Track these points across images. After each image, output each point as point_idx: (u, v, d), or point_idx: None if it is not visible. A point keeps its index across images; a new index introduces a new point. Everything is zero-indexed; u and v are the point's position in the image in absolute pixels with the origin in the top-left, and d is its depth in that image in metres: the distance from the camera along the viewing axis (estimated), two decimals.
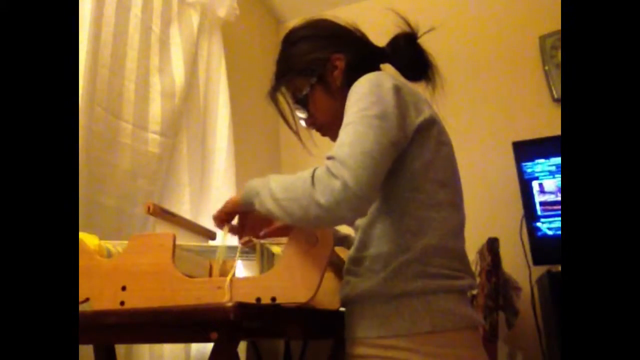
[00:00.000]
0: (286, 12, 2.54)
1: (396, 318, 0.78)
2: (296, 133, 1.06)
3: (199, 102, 1.74)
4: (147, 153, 1.44)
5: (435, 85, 0.99)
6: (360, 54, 0.98)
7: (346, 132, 0.77)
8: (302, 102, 0.98)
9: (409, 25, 0.99)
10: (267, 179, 0.82)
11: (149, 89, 1.50)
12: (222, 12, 1.86)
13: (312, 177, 0.73)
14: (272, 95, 1.03)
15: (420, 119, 0.84)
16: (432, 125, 0.86)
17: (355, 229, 0.90)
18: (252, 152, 2.14)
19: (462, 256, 0.87)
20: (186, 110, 1.65)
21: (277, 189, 0.78)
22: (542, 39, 2.08)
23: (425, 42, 1.00)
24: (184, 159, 1.62)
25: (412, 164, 0.83)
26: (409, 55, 0.99)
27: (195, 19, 1.73)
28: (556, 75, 2.02)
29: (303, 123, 1.03)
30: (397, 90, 0.82)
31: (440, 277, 0.81)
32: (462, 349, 0.79)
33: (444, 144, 0.89)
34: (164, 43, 1.59)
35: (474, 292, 1.38)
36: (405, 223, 0.83)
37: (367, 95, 0.80)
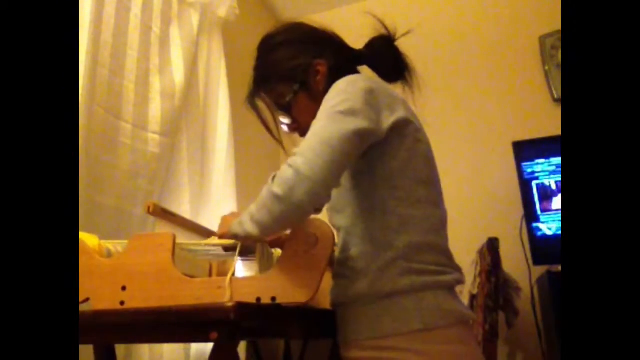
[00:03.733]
0: (286, 12, 2.54)
1: (387, 318, 0.79)
2: (279, 142, 1.06)
3: (199, 102, 1.74)
4: (147, 153, 1.44)
5: (412, 87, 1.00)
6: (340, 57, 0.99)
7: (311, 128, 0.80)
8: (285, 108, 0.99)
9: (385, 27, 1.00)
10: (250, 206, 0.82)
11: (149, 89, 1.49)
12: (222, 12, 1.85)
13: (274, 176, 0.76)
14: (251, 101, 1.03)
15: (394, 118, 0.85)
16: (407, 124, 0.87)
17: (338, 230, 0.90)
18: (252, 152, 2.14)
19: (446, 251, 0.88)
20: (186, 110, 1.65)
21: (253, 207, 0.79)
22: (542, 39, 2.08)
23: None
24: (184, 159, 1.61)
25: (390, 162, 0.85)
26: (385, 57, 1.00)
27: (195, 18, 1.73)
28: (556, 75, 2.02)
29: (285, 128, 1.03)
30: (370, 90, 0.84)
31: (427, 273, 0.82)
32: (454, 345, 0.79)
33: (420, 142, 0.90)
34: (164, 43, 1.59)
35: (474, 292, 1.38)
36: (387, 221, 0.84)
37: (339, 94, 0.83)
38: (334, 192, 0.81)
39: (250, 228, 0.79)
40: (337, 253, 0.89)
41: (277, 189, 0.74)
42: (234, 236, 0.83)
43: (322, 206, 0.80)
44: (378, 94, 0.85)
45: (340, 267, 0.88)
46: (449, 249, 0.89)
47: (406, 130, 0.87)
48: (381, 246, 0.83)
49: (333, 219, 0.92)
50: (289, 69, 0.97)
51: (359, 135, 0.78)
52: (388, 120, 0.84)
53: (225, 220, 0.93)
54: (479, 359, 0.85)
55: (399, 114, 0.86)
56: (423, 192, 0.86)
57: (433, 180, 0.91)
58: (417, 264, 0.81)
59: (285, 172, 0.74)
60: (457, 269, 0.88)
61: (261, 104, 1.04)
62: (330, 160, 0.74)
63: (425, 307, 0.79)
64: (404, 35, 1.01)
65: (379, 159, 0.84)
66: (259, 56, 1.03)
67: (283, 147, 1.08)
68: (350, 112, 0.79)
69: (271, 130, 1.04)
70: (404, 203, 0.84)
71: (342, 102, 0.80)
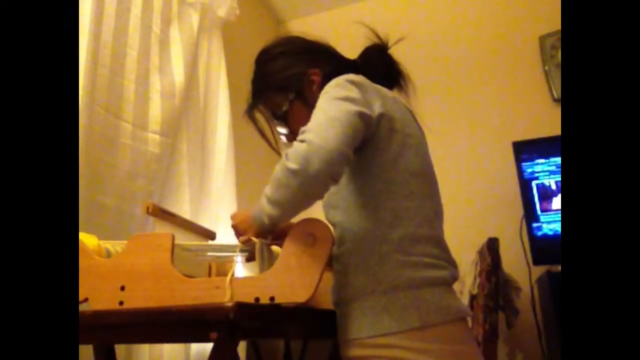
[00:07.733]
0: (286, 12, 2.53)
1: (385, 316, 0.79)
2: (277, 151, 1.08)
3: (199, 102, 1.74)
4: (147, 153, 1.44)
5: (408, 94, 1.03)
6: (334, 67, 1.01)
7: (314, 114, 0.82)
8: (282, 118, 1.01)
9: (378, 36, 1.04)
10: (264, 191, 0.84)
11: (149, 88, 1.49)
12: (222, 12, 1.85)
13: (286, 155, 0.78)
14: (250, 114, 1.05)
15: (382, 110, 0.87)
16: (393, 120, 0.89)
17: (334, 226, 0.91)
18: (252, 152, 2.14)
19: (441, 242, 0.89)
20: (186, 110, 1.65)
21: (268, 191, 0.81)
22: (542, 39, 2.08)
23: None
24: (184, 159, 1.61)
25: (382, 156, 0.86)
26: (380, 66, 1.03)
27: (195, 19, 1.73)
28: (556, 75, 2.02)
29: (284, 139, 1.05)
30: (359, 82, 0.87)
31: (423, 267, 0.82)
32: (452, 343, 0.80)
33: (410, 136, 0.91)
34: (164, 43, 1.59)
35: (474, 292, 1.38)
36: (381, 215, 0.85)
37: (333, 87, 0.86)
38: (329, 189, 0.82)
39: (270, 210, 0.81)
40: (334, 249, 0.90)
41: (292, 163, 0.75)
42: (261, 226, 0.84)
43: (340, 176, 0.80)
44: (367, 85, 0.89)
45: (337, 263, 0.88)
46: (444, 240, 0.90)
47: (395, 125, 0.88)
48: (376, 240, 0.83)
49: (328, 215, 0.93)
50: (284, 79, 1.00)
51: (361, 117, 0.81)
52: (377, 109, 0.87)
53: (237, 216, 0.95)
54: (477, 356, 0.85)
55: (387, 107, 0.88)
56: (415, 185, 0.87)
57: (426, 172, 0.92)
58: (412, 256, 0.82)
59: (298, 147, 0.75)
60: (452, 263, 0.89)
61: (260, 117, 1.06)
62: (341, 131, 0.76)
63: (423, 304, 0.79)
64: (396, 43, 1.04)
65: (371, 154, 0.86)
66: (256, 69, 1.06)
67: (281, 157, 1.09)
68: (347, 99, 0.82)
69: (269, 141, 1.07)
70: (397, 196, 0.85)
71: (338, 92, 0.83)
